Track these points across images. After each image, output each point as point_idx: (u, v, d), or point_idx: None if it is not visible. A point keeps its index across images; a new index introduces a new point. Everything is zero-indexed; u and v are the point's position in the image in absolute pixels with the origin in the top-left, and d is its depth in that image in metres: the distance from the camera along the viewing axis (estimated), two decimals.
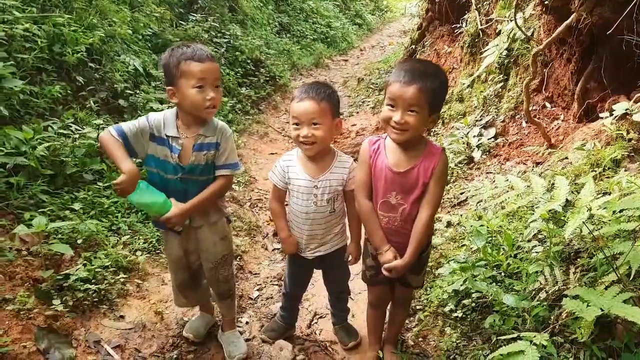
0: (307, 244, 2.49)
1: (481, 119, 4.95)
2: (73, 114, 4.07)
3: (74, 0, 4.77)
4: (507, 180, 2.25)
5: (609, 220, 2.19)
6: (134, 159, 2.23)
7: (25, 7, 4.18)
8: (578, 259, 2.49)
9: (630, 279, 1.97)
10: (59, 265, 2.90)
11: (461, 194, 4.04)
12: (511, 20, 4.55)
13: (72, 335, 2.53)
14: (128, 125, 2.20)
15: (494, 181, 2.39)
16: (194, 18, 7.35)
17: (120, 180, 2.06)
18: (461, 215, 3.47)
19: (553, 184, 2.34)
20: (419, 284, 2.45)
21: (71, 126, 3.76)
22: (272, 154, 6.09)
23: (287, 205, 2.58)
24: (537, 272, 2.42)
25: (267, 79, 8.21)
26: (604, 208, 2.02)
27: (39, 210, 3.06)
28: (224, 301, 2.74)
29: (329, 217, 2.44)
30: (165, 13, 6.79)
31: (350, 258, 2.53)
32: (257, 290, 3.39)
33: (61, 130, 3.66)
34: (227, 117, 6.38)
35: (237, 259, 3.63)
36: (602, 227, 2.26)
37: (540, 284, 2.36)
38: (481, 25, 5.69)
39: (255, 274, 3.60)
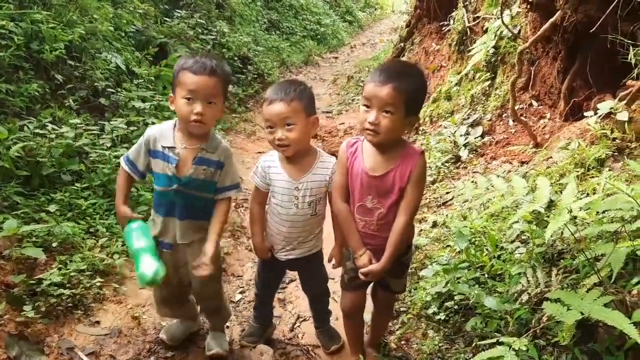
0: (282, 245, 2.43)
1: (468, 118, 4.91)
2: (51, 113, 3.98)
3: None
4: (489, 181, 2.21)
5: (591, 222, 2.15)
6: (143, 179, 2.37)
7: (2, 4, 4.08)
8: (561, 260, 2.45)
9: (612, 281, 1.93)
10: (33, 269, 2.82)
11: (447, 193, 4.00)
12: (498, 18, 4.52)
13: (44, 342, 2.45)
14: (132, 149, 2.28)
15: (475, 182, 2.35)
16: (179, 15, 7.25)
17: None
18: (446, 215, 3.42)
19: (535, 184, 2.29)
20: (400, 288, 2.39)
21: (48, 126, 3.67)
22: (259, 152, 6.02)
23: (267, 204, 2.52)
24: (519, 273, 2.38)
25: (255, 76, 8.15)
26: (586, 209, 1.98)
27: (13, 213, 2.98)
28: (211, 315, 2.67)
29: (309, 220, 2.38)
30: (150, 9, 6.69)
31: (333, 262, 2.47)
32: (240, 293, 3.33)
33: (37, 130, 3.57)
34: None
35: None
36: (584, 227, 2.23)
37: (523, 285, 2.32)
38: (468, 22, 5.65)
39: (239, 276, 3.54)
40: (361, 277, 2.12)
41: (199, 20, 7.55)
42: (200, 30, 7.49)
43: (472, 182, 2.41)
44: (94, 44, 4.93)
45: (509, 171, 3.67)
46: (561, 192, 2.67)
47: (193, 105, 2.08)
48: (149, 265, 2.13)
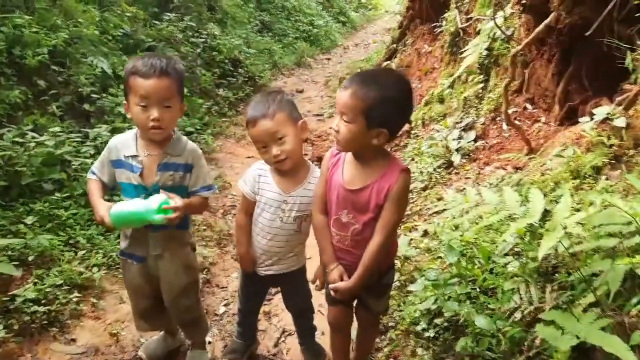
0: (262, 259, 2.33)
1: (461, 121, 4.81)
2: (33, 119, 3.88)
3: (36, 0, 4.56)
4: (479, 193, 2.11)
5: (587, 236, 2.05)
6: (112, 190, 2.27)
7: None
8: (556, 274, 2.35)
9: (610, 300, 1.84)
10: (9, 284, 2.72)
11: (439, 199, 3.90)
12: (491, 19, 4.42)
13: None
14: (97, 161, 2.21)
15: (465, 194, 2.25)
16: (168, 17, 7.13)
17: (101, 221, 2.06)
18: (437, 223, 3.32)
19: (528, 195, 2.19)
20: (380, 309, 2.28)
21: (27, 134, 3.56)
22: (249, 157, 5.91)
23: None
24: (512, 289, 2.28)
25: (246, 79, 8.04)
26: (581, 224, 1.88)
27: None
28: (187, 328, 2.58)
29: (292, 236, 2.27)
30: (138, 12, 6.58)
31: (317, 283, 2.36)
32: (224, 305, 3.22)
33: (16, 139, 3.46)
34: (202, 120, 6.21)
35: (204, 272, 3.45)
36: (580, 242, 2.13)
37: (516, 303, 2.21)
38: (461, 24, 5.56)
39: (223, 287, 3.43)
40: (331, 293, 2.02)
41: (189, 23, 7.44)
42: (190, 34, 7.38)
43: (462, 193, 2.31)
44: (78, 48, 4.82)
45: (503, 177, 3.57)
46: (557, 202, 2.59)
47: (149, 112, 1.98)
48: (153, 202, 1.99)
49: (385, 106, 1.77)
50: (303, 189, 2.19)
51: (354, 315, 2.33)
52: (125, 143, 2.14)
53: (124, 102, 2.09)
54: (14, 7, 4.34)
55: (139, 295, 2.40)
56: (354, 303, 2.29)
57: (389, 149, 5.40)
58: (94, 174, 2.19)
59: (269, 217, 2.23)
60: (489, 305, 2.34)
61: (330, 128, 1.85)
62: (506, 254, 2.57)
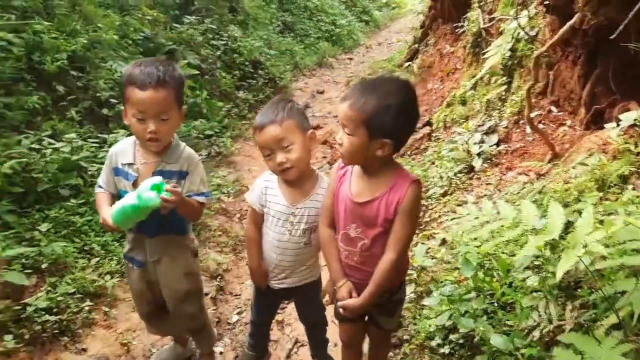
0: (275, 273, 2.28)
1: (483, 124, 4.68)
2: (52, 125, 3.90)
3: (56, 6, 4.59)
4: (496, 207, 2.02)
5: (611, 252, 1.94)
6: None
7: (3, 15, 4.01)
8: (578, 290, 2.25)
9: (634, 322, 1.73)
10: (22, 292, 2.72)
11: (458, 205, 3.79)
12: (515, 19, 4.29)
13: None
14: (102, 173, 2.19)
15: (481, 208, 2.15)
16: (189, 20, 7.14)
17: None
18: (455, 232, 3.22)
19: (548, 208, 2.09)
20: (391, 327, 2.21)
21: (44, 140, 3.57)
22: None
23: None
24: (531, 306, 2.18)
25: (267, 81, 8.01)
26: (605, 245, 1.78)
27: (4, 233, 2.88)
28: (195, 336, 2.55)
29: (302, 249, 2.21)
30: (159, 16, 6.60)
31: (326, 297, 2.30)
32: (237, 314, 3.19)
33: (33, 145, 3.48)
34: (221, 122, 6.20)
35: (218, 279, 3.42)
36: (604, 257, 2.02)
37: (534, 320, 2.12)
38: (484, 24, 5.42)
39: (237, 295, 3.39)
40: (340, 310, 1.96)
41: (210, 26, 7.44)
42: (211, 36, 7.38)
43: (478, 207, 2.21)
44: (98, 53, 4.83)
45: (525, 185, 3.45)
46: (580, 213, 2.47)
47: (146, 124, 1.93)
48: (142, 185, 1.92)
49: (386, 116, 1.68)
50: (311, 200, 2.13)
51: (366, 331, 2.26)
52: (124, 151, 2.12)
53: (123, 108, 2.03)
54: (34, 13, 4.37)
55: (141, 300, 2.40)
56: (366, 318, 2.23)
57: (408, 153, 5.35)
58: (100, 187, 2.18)
59: (277, 231, 2.17)
60: (507, 322, 2.25)
61: (334, 141, 1.78)
62: (526, 268, 2.47)
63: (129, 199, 1.92)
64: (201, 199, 2.13)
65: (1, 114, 3.58)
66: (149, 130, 1.93)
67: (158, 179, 1.91)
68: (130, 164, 2.08)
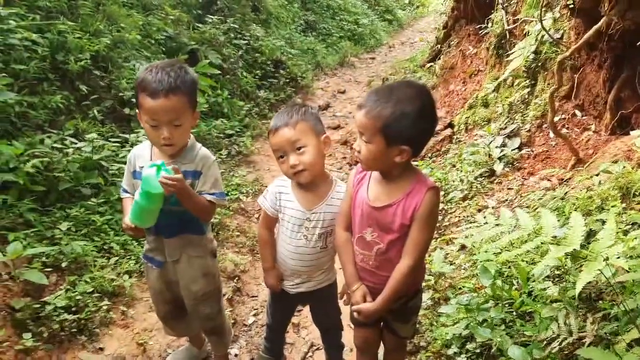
0: (290, 278, 2.27)
1: (505, 128, 4.62)
2: (75, 124, 3.95)
3: (80, 6, 4.65)
4: (514, 216, 1.98)
5: (633, 265, 1.89)
6: None
7: (28, 15, 4.07)
8: (599, 301, 2.19)
9: None
10: (42, 290, 2.76)
11: (478, 211, 3.74)
12: (539, 21, 4.21)
13: None
14: (124, 177, 2.22)
15: (498, 217, 2.11)
16: (211, 20, 7.18)
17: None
18: (474, 238, 3.16)
19: (569, 216, 2.04)
20: (406, 334, 2.19)
21: (66, 139, 3.62)
22: None
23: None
24: (550, 317, 2.13)
25: (288, 80, 8.01)
26: (627, 257, 1.73)
27: (26, 232, 2.92)
28: (210, 337, 2.56)
29: (319, 254, 2.20)
30: (182, 15, 6.65)
31: (344, 298, 2.29)
32: (253, 315, 3.19)
33: (56, 144, 3.52)
34: (242, 122, 6.23)
35: (235, 280, 3.43)
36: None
37: (553, 332, 2.07)
38: (508, 25, 5.34)
39: (253, 296, 3.40)
40: (354, 314, 1.94)
41: (232, 25, 7.47)
42: (233, 35, 7.41)
43: (496, 215, 2.17)
44: (121, 52, 4.89)
45: (547, 191, 3.39)
46: (602, 223, 2.42)
47: (159, 131, 1.93)
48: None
49: (403, 122, 1.67)
50: (326, 204, 2.12)
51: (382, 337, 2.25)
52: (141, 154, 2.13)
53: (137, 111, 2.02)
54: (58, 13, 4.43)
55: (159, 300, 2.41)
56: (381, 324, 2.21)
57: (429, 155, 5.29)
58: (125, 191, 2.20)
59: (293, 236, 2.16)
60: (525, 333, 2.21)
61: (354, 148, 1.77)
62: (546, 277, 2.42)
63: (137, 193, 1.96)
64: (210, 197, 2.11)
65: (25, 113, 3.64)
66: (162, 137, 1.93)
67: (159, 161, 1.92)
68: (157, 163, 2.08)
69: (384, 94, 1.72)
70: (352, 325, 2.26)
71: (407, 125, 1.68)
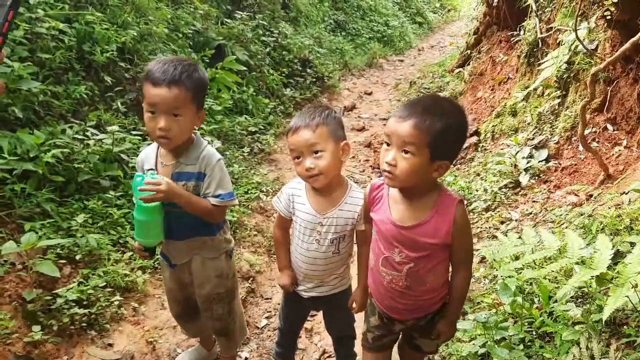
0: (303, 282, 2.22)
1: (533, 138, 4.50)
2: (97, 115, 3.95)
3: None
4: (538, 235, 1.89)
5: None
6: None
7: (56, 4, 4.09)
8: (624, 327, 2.09)
9: None
10: (55, 281, 2.75)
11: (502, 223, 3.64)
12: (573, 31, 4.08)
13: None
14: None
15: (521, 237, 2.03)
16: (240, 16, 7.16)
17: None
18: (497, 255, 3.07)
19: (595, 236, 1.95)
20: (431, 349, 2.13)
21: (88, 130, 3.62)
22: None
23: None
24: (572, 340, 2.04)
25: (314, 79, 7.96)
26: None
27: (43, 222, 2.92)
28: (219, 338, 2.52)
29: (331, 259, 2.14)
30: (211, 10, 6.65)
31: (354, 305, 2.23)
32: (266, 318, 3.14)
33: (77, 135, 3.53)
34: (266, 120, 6.20)
35: (249, 281, 3.39)
36: None
37: (574, 356, 1.98)
38: (541, 33, 5.19)
39: (267, 298, 3.35)
40: (368, 337, 1.91)
41: (261, 22, 7.45)
42: (261, 32, 7.38)
43: (518, 237, 2.08)
44: (147, 45, 4.89)
45: (574, 205, 3.28)
46: (631, 245, 2.31)
47: (156, 120, 1.87)
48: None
49: (449, 136, 1.62)
50: (339, 209, 2.06)
51: (398, 355, 2.19)
52: (148, 156, 2.09)
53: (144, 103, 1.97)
54: (87, 3, 4.44)
55: (171, 299, 2.40)
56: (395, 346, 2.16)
57: (453, 163, 5.19)
58: None
59: (305, 240, 2.11)
60: (544, 355, 2.12)
61: (386, 162, 1.66)
62: (570, 299, 2.32)
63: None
64: (215, 201, 2.05)
65: (49, 103, 3.65)
66: (158, 127, 1.86)
67: (149, 171, 1.94)
68: (150, 170, 2.04)
69: (431, 106, 1.65)
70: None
71: (452, 139, 1.65)
